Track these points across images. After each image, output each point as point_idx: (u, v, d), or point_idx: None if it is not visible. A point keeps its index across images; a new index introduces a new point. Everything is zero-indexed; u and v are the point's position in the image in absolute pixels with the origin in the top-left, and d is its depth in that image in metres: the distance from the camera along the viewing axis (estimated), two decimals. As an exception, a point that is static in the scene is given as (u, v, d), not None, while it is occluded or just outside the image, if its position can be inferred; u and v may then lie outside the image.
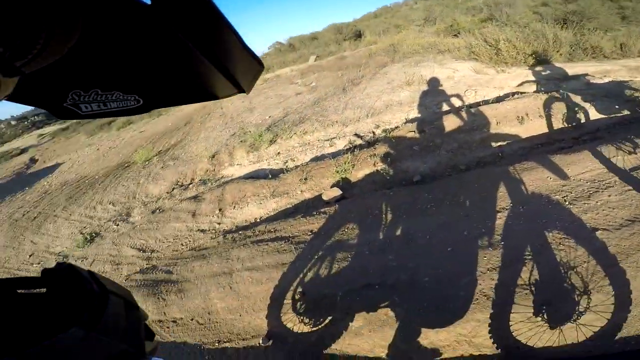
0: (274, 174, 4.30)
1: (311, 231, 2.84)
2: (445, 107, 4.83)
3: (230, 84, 0.37)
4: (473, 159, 3.47)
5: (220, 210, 3.78)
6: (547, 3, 13.50)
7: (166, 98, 0.39)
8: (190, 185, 4.75)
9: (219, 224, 3.62)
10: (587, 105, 3.93)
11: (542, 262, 1.97)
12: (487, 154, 3.49)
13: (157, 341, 0.40)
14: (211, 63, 0.33)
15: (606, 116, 3.76)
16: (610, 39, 7.24)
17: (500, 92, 5.04)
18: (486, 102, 4.51)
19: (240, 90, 0.39)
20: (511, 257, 2.06)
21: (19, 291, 0.33)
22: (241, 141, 5.40)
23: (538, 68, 5.78)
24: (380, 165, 3.75)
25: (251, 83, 0.39)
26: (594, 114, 3.81)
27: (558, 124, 3.77)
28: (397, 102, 5.26)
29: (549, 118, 3.81)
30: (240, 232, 3.17)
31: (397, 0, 22.58)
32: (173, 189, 4.86)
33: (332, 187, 3.66)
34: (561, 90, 4.21)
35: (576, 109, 3.85)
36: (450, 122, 4.04)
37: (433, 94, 5.31)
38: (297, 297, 2.23)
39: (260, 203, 3.74)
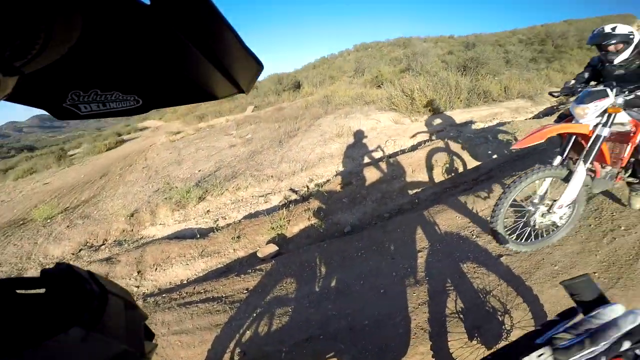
0: (203, 234, 4.04)
1: (247, 289, 2.70)
2: (369, 159, 5.33)
3: (229, 84, 0.37)
4: (395, 207, 3.86)
5: (139, 272, 3.33)
6: (452, 51, 15.65)
7: (165, 98, 0.39)
8: (103, 247, 4.13)
9: (137, 287, 3.16)
10: (467, 153, 4.64)
11: (463, 290, 2.20)
12: (405, 201, 3.93)
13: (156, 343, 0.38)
14: (211, 63, 0.33)
15: (483, 161, 4.44)
16: (497, 82, 8.36)
17: (415, 141, 5.71)
18: (403, 152, 5.08)
19: (240, 90, 0.39)
20: (436, 290, 2.26)
21: (17, 291, 0.32)
22: (166, 198, 5.03)
23: (441, 115, 6.66)
24: (314, 220, 3.86)
25: (250, 83, 0.40)
26: (471, 162, 4.52)
27: (454, 169, 4.44)
28: (328, 154, 5.63)
29: (431, 168, 4.45)
30: (164, 295, 2.80)
31: (333, 52, 25.21)
32: (80, 250, 4.15)
33: (267, 243, 3.60)
34: (456, 139, 4.92)
35: (463, 155, 4.59)
36: (374, 173, 4.49)
37: (359, 145, 5.79)
38: (236, 358, 2.01)
39: (187, 264, 3.43)
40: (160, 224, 4.51)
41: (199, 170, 6.11)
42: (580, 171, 2.17)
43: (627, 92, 2.21)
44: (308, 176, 5.23)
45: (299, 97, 12.27)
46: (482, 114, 6.69)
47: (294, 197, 4.74)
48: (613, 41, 2.35)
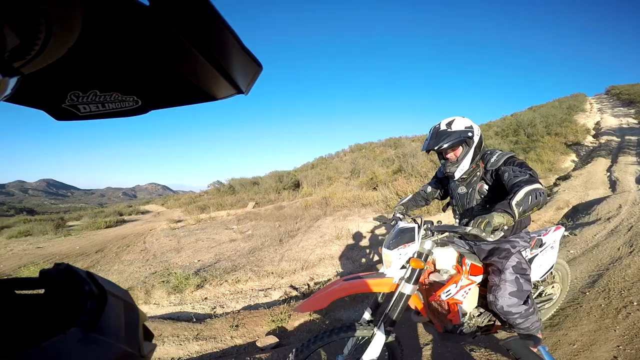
0: (199, 318, 3.91)
1: (247, 374, 2.58)
2: (367, 260, 5.44)
3: (229, 84, 0.37)
4: (398, 306, 3.89)
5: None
6: (436, 151, 15.89)
7: (165, 99, 0.39)
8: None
9: None
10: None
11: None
12: (409, 301, 3.99)
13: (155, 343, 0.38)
14: (210, 64, 0.33)
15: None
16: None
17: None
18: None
19: (239, 91, 0.39)
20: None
21: (16, 292, 0.32)
22: (163, 281, 4.95)
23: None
24: (315, 316, 3.83)
25: (249, 84, 0.39)
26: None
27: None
28: (329, 255, 5.78)
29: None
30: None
31: (330, 152, 25.42)
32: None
33: (267, 334, 3.51)
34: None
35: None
36: (375, 275, 4.63)
37: (358, 247, 5.94)
38: None
39: (181, 344, 3.25)
40: (155, 304, 4.31)
41: (198, 260, 6.13)
42: (379, 334, 1.68)
43: (436, 233, 1.68)
44: (308, 275, 5.29)
45: (299, 197, 12.40)
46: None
47: (294, 293, 4.71)
48: (450, 142, 1.75)
